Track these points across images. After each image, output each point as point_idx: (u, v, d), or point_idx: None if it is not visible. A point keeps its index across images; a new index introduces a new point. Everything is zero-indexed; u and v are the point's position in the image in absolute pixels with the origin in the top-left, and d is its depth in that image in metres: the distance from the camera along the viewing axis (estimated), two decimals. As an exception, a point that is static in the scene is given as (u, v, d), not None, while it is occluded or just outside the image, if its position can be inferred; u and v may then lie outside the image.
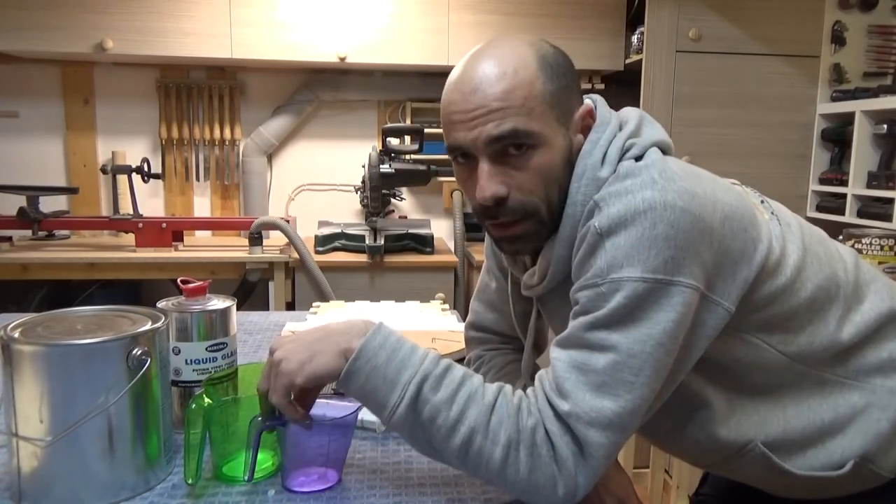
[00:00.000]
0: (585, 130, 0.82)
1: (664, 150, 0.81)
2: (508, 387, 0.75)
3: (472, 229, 2.93)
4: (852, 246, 2.23)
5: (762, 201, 0.85)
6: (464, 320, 1.14)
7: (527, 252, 0.86)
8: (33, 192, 2.57)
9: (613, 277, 0.70)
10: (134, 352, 0.73)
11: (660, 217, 0.70)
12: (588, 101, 0.84)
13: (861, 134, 2.30)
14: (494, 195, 0.77)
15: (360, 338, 0.73)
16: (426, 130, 2.54)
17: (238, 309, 1.18)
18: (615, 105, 0.87)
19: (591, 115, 0.82)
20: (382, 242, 2.55)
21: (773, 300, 0.77)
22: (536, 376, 0.76)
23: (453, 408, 0.71)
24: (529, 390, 0.75)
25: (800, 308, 0.79)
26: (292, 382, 0.73)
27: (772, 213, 0.83)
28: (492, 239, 0.86)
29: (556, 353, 0.75)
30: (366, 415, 0.92)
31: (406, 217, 3.09)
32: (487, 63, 0.77)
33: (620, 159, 0.79)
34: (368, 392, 0.73)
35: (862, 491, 0.84)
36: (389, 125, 2.55)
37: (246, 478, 0.75)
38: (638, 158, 0.78)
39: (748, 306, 0.76)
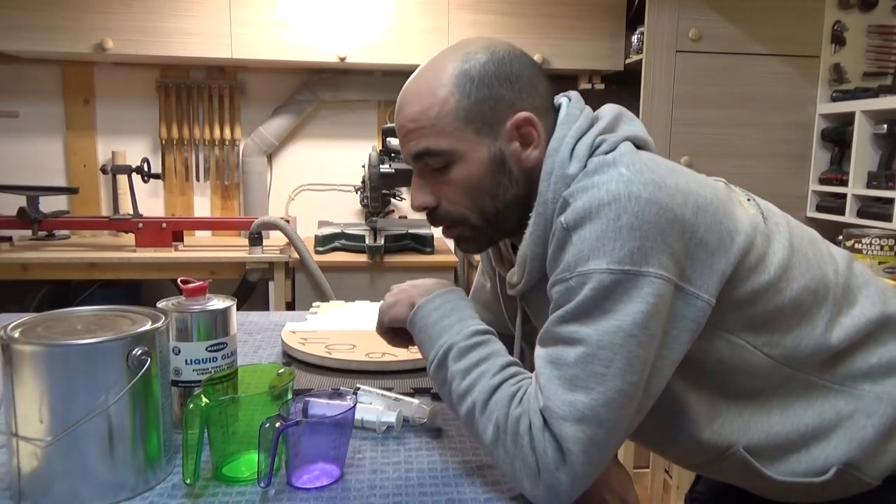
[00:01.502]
0: (525, 138, 0.82)
1: (639, 146, 0.81)
2: (522, 375, 0.79)
3: (472, 229, 2.93)
4: (852, 246, 2.23)
5: (749, 199, 0.85)
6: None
7: (475, 252, 0.92)
8: (33, 192, 2.58)
9: (581, 270, 0.71)
10: (134, 352, 0.73)
11: (623, 208, 0.70)
12: (564, 97, 0.86)
13: (861, 134, 2.30)
14: (420, 205, 0.86)
15: (425, 296, 0.86)
16: (426, 130, 2.54)
17: (238, 309, 1.18)
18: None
19: (529, 122, 0.81)
20: (382, 242, 2.55)
21: (755, 298, 0.77)
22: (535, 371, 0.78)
23: (465, 379, 0.78)
24: (532, 381, 0.76)
25: (785, 308, 0.78)
26: (383, 322, 0.92)
27: (758, 210, 0.83)
28: None
29: (536, 351, 0.77)
30: (366, 415, 0.92)
31: (406, 217, 3.09)
32: (413, 81, 0.84)
33: (591, 155, 0.79)
34: (419, 342, 0.86)
35: (847, 497, 0.83)
36: (389, 125, 2.55)
37: (263, 484, 0.75)
38: (609, 153, 0.78)
39: (729, 304, 0.76)
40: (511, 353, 1.00)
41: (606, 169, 0.74)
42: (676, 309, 0.73)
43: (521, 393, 0.75)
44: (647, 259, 0.70)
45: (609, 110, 0.85)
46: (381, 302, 0.95)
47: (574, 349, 0.71)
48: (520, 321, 0.95)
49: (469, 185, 0.82)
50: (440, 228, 0.88)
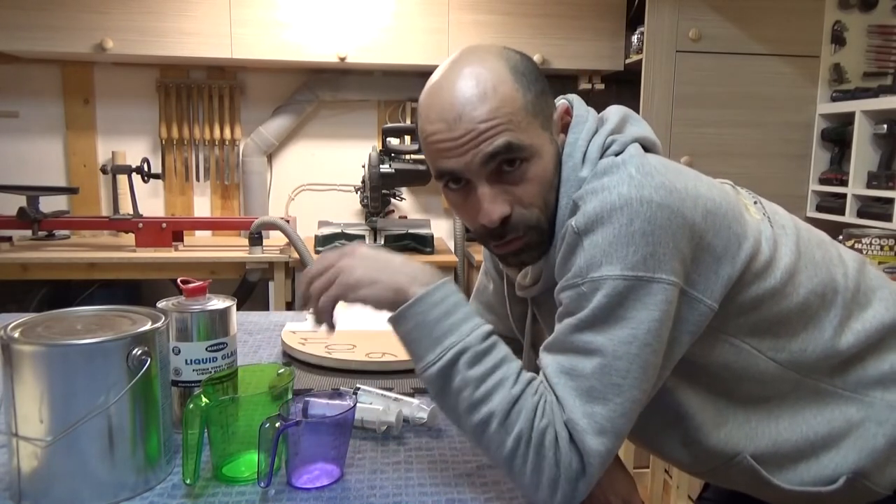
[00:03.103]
0: (566, 128, 0.82)
1: (647, 147, 0.81)
2: (538, 381, 0.74)
3: (472, 229, 2.92)
4: (852, 246, 2.23)
5: (755, 202, 0.84)
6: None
7: (533, 263, 0.84)
8: (33, 192, 2.57)
9: (593, 276, 0.70)
10: (134, 352, 0.73)
11: (636, 213, 0.69)
12: (564, 100, 0.85)
13: (861, 134, 2.30)
14: (501, 216, 0.77)
15: (422, 287, 0.74)
16: (426, 130, 2.54)
17: (238, 309, 1.18)
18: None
19: (568, 112, 0.82)
20: (382, 242, 2.55)
21: (760, 303, 0.76)
22: (540, 377, 0.76)
23: (481, 387, 0.71)
24: (547, 390, 0.74)
25: (791, 313, 0.78)
26: (344, 295, 0.76)
27: (764, 214, 0.82)
28: (496, 257, 0.85)
29: (544, 359, 0.75)
30: (366, 415, 0.92)
31: (406, 217, 3.09)
32: (465, 84, 0.75)
33: (602, 157, 0.78)
34: (411, 340, 0.75)
35: None
36: (389, 125, 2.55)
37: (263, 484, 0.75)
38: (619, 155, 0.77)
39: (734, 308, 0.75)
40: (518, 356, 1.00)
41: (616, 170, 0.73)
42: (680, 312, 0.72)
43: (543, 403, 0.72)
44: (660, 265, 0.69)
45: (615, 111, 0.84)
46: (322, 264, 0.78)
47: (590, 360, 0.70)
48: (529, 323, 0.94)
49: (543, 180, 0.77)
50: (487, 243, 0.81)
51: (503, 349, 0.75)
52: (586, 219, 0.71)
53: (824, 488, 0.79)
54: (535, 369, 1.01)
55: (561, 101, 0.83)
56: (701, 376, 0.79)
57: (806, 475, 0.80)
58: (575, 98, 0.86)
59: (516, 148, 0.75)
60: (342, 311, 0.79)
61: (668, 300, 0.70)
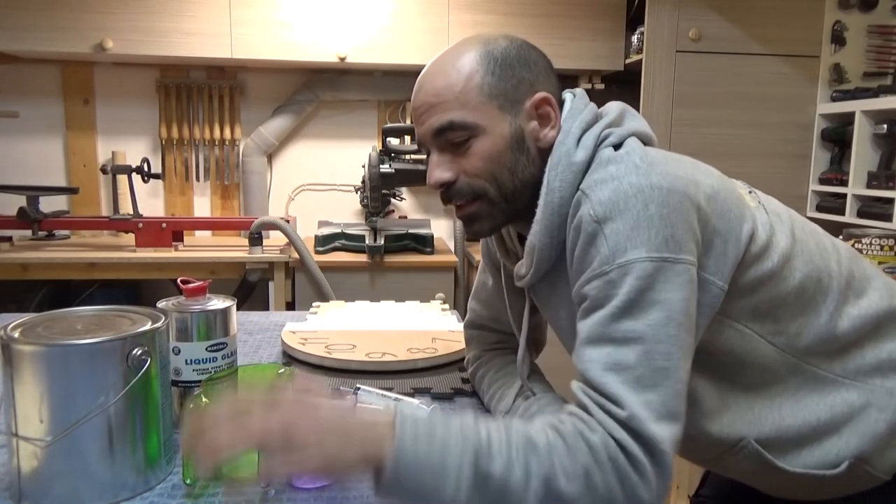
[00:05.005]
0: (543, 118, 0.84)
1: (644, 142, 0.82)
2: (550, 417, 0.70)
3: (472, 229, 2.92)
4: (852, 246, 2.23)
5: (750, 192, 0.86)
6: (463, 320, 1.14)
7: (487, 233, 0.90)
8: (33, 192, 2.57)
9: (620, 262, 0.70)
10: (134, 352, 0.73)
11: (649, 198, 0.70)
12: (569, 93, 0.87)
13: (861, 134, 2.30)
14: (438, 181, 0.84)
15: (390, 440, 0.63)
16: (426, 130, 2.54)
17: (238, 309, 1.18)
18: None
19: (547, 102, 0.83)
20: (382, 242, 2.55)
21: (759, 285, 0.77)
22: (573, 387, 0.73)
23: (515, 470, 0.64)
24: (573, 407, 0.71)
25: (788, 296, 0.79)
26: (300, 474, 0.70)
27: (759, 202, 0.84)
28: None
29: (587, 356, 0.71)
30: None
31: (406, 217, 3.09)
32: (435, 63, 0.85)
33: (598, 146, 0.80)
34: (420, 487, 0.64)
35: (859, 492, 0.84)
36: (389, 125, 2.55)
37: (264, 485, 0.74)
38: (616, 147, 0.79)
39: (736, 290, 0.77)
40: (514, 354, 1.00)
41: (619, 161, 0.75)
42: (697, 295, 0.73)
43: (581, 424, 0.67)
44: (681, 246, 0.70)
45: (614, 106, 0.86)
46: (262, 432, 0.61)
47: (632, 349, 0.69)
48: (527, 313, 0.95)
49: (490, 157, 0.82)
50: (453, 210, 0.87)
51: (499, 419, 0.75)
52: (603, 207, 0.72)
53: (828, 472, 0.81)
54: (532, 363, 1.01)
55: (539, 94, 0.84)
56: (706, 362, 0.80)
57: (809, 459, 0.81)
58: (578, 91, 0.88)
59: (458, 125, 0.81)
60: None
61: (691, 279, 0.71)
